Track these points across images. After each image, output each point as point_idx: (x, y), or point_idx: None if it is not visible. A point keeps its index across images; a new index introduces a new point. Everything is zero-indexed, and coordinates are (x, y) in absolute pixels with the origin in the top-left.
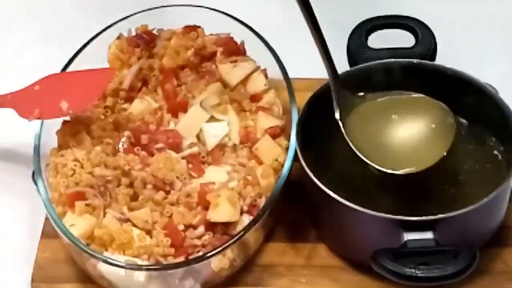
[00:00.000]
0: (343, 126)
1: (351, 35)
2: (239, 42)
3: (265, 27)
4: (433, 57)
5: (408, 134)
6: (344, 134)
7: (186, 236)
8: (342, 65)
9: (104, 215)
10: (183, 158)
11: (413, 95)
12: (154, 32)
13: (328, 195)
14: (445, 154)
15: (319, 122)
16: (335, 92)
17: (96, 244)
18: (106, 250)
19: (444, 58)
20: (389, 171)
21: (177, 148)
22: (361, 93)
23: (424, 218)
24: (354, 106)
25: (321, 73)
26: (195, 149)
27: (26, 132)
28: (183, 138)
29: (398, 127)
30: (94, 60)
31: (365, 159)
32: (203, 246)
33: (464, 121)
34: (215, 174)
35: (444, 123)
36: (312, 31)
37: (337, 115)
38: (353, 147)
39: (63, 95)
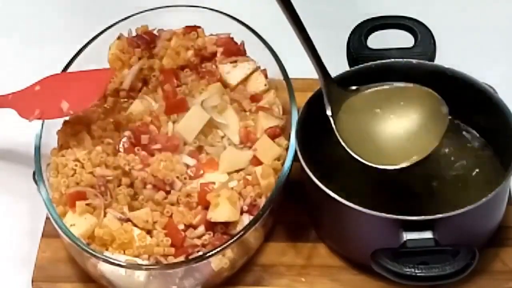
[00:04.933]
0: (334, 122)
1: (351, 35)
2: (239, 42)
3: (265, 27)
4: (432, 58)
5: (400, 127)
6: (336, 131)
7: (186, 236)
8: (342, 65)
9: (105, 215)
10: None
11: (405, 85)
12: (155, 32)
13: (328, 195)
14: (437, 144)
15: (319, 122)
16: (325, 88)
17: (96, 243)
18: (107, 249)
19: (444, 59)
20: (380, 167)
21: (175, 151)
22: (353, 87)
23: (423, 218)
24: (345, 101)
25: None
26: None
27: (27, 132)
28: (183, 139)
29: (390, 120)
30: (94, 60)
31: (357, 157)
32: (203, 245)
33: (463, 121)
34: (215, 174)
35: (437, 113)
36: (295, 27)
37: (328, 112)
38: (344, 145)
39: (64, 95)
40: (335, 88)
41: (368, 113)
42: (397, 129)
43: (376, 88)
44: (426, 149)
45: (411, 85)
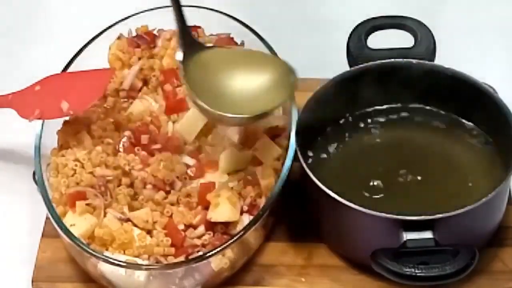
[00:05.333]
0: (184, 68)
1: (351, 35)
2: (239, 42)
3: (265, 27)
4: (432, 58)
5: (245, 86)
6: (183, 77)
7: (186, 236)
8: (342, 65)
9: (105, 215)
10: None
11: (261, 51)
12: (155, 32)
13: (328, 195)
14: (274, 106)
15: (319, 122)
16: (181, 34)
17: (96, 243)
18: (107, 249)
19: (443, 58)
20: (219, 112)
21: (175, 151)
22: (210, 45)
23: (423, 217)
24: (199, 52)
25: (321, 73)
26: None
27: (27, 132)
28: (183, 139)
29: (237, 78)
30: (94, 60)
31: (199, 101)
32: (203, 245)
33: (463, 121)
34: (215, 174)
35: (285, 80)
36: None
37: (180, 57)
38: (188, 89)
39: (64, 95)
40: (191, 38)
41: (219, 69)
42: (242, 87)
43: (232, 49)
44: (262, 108)
45: (267, 52)
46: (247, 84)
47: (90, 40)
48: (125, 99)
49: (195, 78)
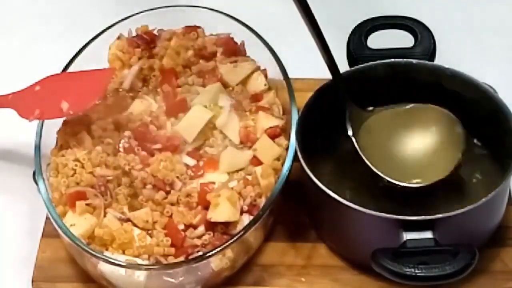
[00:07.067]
0: (356, 141)
1: (351, 35)
2: (239, 42)
3: (265, 27)
4: (432, 57)
5: (416, 146)
6: (358, 150)
7: (186, 236)
8: (342, 65)
9: (105, 215)
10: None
11: (420, 106)
12: (155, 32)
13: (328, 195)
14: (453, 168)
15: (319, 122)
16: (348, 110)
17: (96, 243)
18: (107, 249)
19: (444, 59)
20: (401, 184)
21: (175, 151)
22: (370, 108)
23: (423, 217)
24: (364, 121)
25: (321, 73)
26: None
27: (27, 132)
28: (183, 139)
29: (407, 139)
30: (94, 60)
31: (381, 174)
32: (203, 245)
33: (462, 121)
34: (215, 174)
35: (452, 133)
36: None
37: (350, 132)
38: (367, 163)
39: (64, 95)
40: (354, 109)
41: (386, 133)
42: (413, 149)
43: (393, 109)
44: (441, 172)
45: (426, 105)
46: (416, 146)
47: (90, 40)
48: (125, 100)
49: (367, 148)
